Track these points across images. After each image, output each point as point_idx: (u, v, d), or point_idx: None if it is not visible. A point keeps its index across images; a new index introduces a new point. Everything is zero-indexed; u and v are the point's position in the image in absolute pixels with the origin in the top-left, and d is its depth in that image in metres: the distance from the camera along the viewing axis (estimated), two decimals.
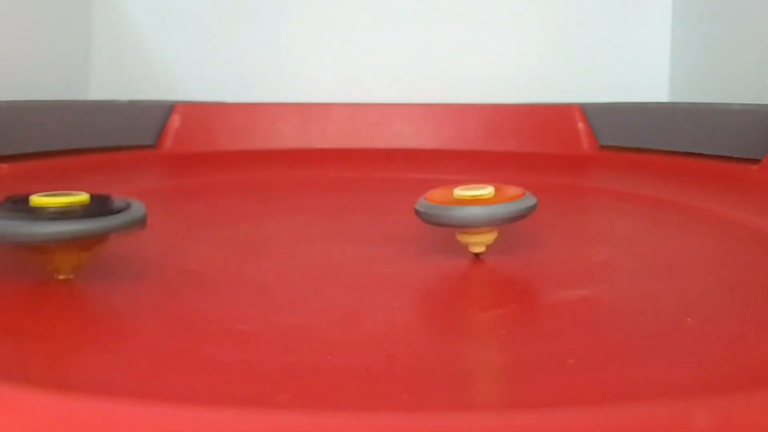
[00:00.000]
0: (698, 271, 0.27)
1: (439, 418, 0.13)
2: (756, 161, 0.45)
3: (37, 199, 0.22)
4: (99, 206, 0.23)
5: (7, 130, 0.46)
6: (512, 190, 0.26)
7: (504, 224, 0.25)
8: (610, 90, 0.69)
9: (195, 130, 0.58)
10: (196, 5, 0.72)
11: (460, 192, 0.26)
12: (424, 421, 0.13)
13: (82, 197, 0.23)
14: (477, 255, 0.27)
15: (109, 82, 0.71)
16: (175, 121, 0.58)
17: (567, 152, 0.57)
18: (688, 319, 0.21)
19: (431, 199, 0.26)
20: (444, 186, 0.27)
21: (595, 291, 0.25)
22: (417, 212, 0.26)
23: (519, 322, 0.21)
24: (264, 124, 0.59)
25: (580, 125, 0.58)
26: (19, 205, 0.22)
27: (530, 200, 0.26)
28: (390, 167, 0.53)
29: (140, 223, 0.24)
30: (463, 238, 0.26)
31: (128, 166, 0.52)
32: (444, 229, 0.27)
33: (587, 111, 0.59)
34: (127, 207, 0.24)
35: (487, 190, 0.26)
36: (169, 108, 0.59)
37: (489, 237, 0.26)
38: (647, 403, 0.14)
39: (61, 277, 0.23)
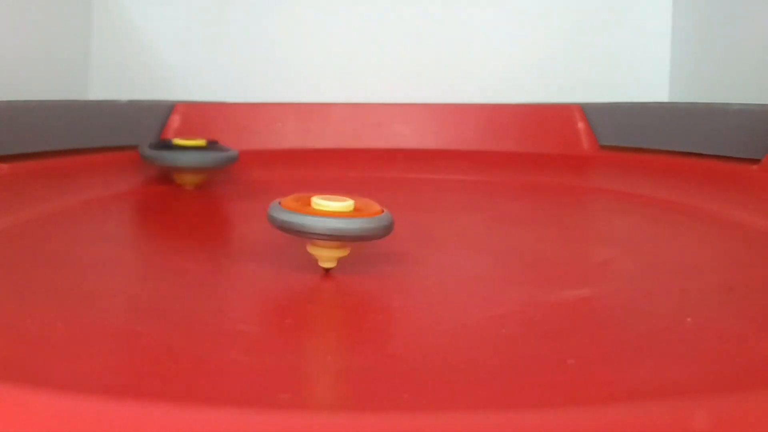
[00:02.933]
0: (698, 271, 0.27)
1: (439, 418, 0.13)
2: (756, 161, 0.45)
3: None
4: None
5: (7, 130, 0.46)
6: (372, 207, 0.25)
7: (353, 241, 0.24)
8: (610, 90, 0.68)
9: (195, 130, 0.58)
10: (196, 6, 0.72)
11: (318, 201, 0.24)
12: (424, 421, 0.13)
13: None
14: (326, 270, 0.25)
15: (109, 82, 0.71)
16: (175, 121, 0.58)
17: (567, 152, 0.57)
18: (688, 319, 0.21)
19: (285, 204, 0.24)
20: (306, 192, 0.26)
21: (595, 291, 0.25)
22: (268, 216, 0.25)
23: (518, 323, 0.21)
24: (264, 124, 0.59)
25: (580, 125, 0.58)
26: None
27: (384, 220, 0.24)
28: (390, 167, 0.53)
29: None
30: (313, 251, 0.25)
31: (128, 166, 0.52)
32: None
33: (587, 111, 0.59)
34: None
35: (345, 204, 0.24)
36: (169, 108, 0.59)
37: (339, 252, 0.25)
38: (647, 403, 0.14)
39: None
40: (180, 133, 0.58)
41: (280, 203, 0.25)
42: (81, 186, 0.44)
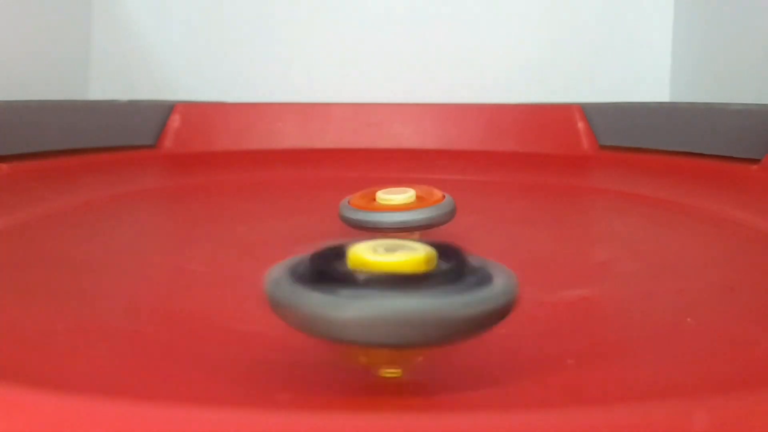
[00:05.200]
0: (698, 271, 0.27)
1: (440, 418, 0.13)
2: (756, 161, 0.45)
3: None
4: None
5: (7, 130, 0.46)
6: (434, 195, 0.26)
7: (421, 229, 0.26)
8: (610, 90, 0.69)
9: (195, 130, 0.58)
10: (196, 5, 0.72)
11: (382, 196, 0.26)
12: (424, 421, 0.13)
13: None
14: None
15: (109, 82, 0.71)
16: (175, 121, 0.58)
17: (567, 152, 0.57)
18: (688, 319, 0.21)
19: (353, 203, 0.26)
20: (369, 188, 0.27)
21: (595, 291, 0.25)
22: (340, 215, 0.27)
23: (518, 323, 0.21)
24: (264, 124, 0.59)
25: (580, 125, 0.58)
26: None
27: (448, 206, 0.26)
28: (390, 167, 0.53)
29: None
30: None
31: (128, 166, 0.52)
32: None
33: (587, 111, 0.59)
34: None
35: (407, 195, 0.26)
36: (169, 108, 0.59)
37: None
38: (647, 403, 0.14)
39: None
40: (180, 133, 0.58)
41: (349, 202, 0.26)
42: (81, 186, 0.44)
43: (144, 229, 0.36)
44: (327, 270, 0.15)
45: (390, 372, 0.16)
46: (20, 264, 0.27)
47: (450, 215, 0.26)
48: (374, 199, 0.26)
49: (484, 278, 0.15)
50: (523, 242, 0.32)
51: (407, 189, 0.26)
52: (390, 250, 0.15)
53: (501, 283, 0.15)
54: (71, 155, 0.50)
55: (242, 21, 0.71)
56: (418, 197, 0.26)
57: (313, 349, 0.19)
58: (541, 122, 0.59)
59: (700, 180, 0.46)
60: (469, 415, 0.14)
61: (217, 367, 0.17)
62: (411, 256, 0.15)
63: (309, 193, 0.46)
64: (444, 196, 0.26)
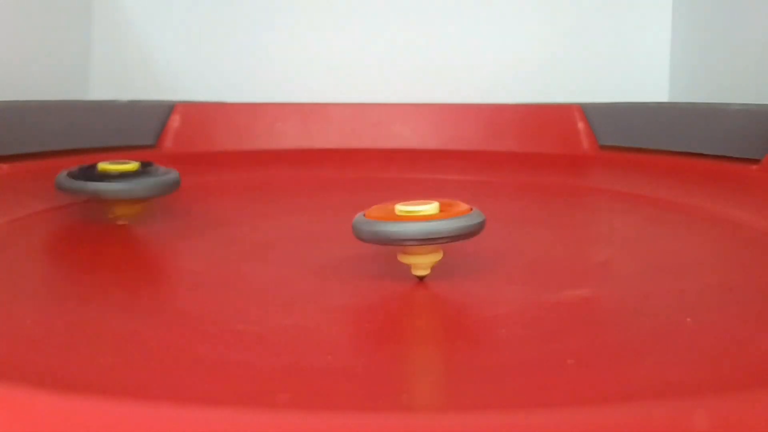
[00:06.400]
0: (698, 271, 0.27)
1: (439, 418, 0.13)
2: (756, 161, 0.45)
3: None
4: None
5: (7, 130, 0.46)
6: (459, 207, 0.24)
7: (447, 242, 0.23)
8: (610, 90, 0.68)
9: (195, 130, 0.58)
10: (196, 5, 0.72)
11: (402, 207, 0.23)
12: (424, 421, 0.13)
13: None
14: (420, 278, 0.24)
15: (109, 82, 0.71)
16: (175, 121, 0.58)
17: (567, 152, 0.57)
18: (688, 319, 0.21)
19: (370, 215, 0.24)
20: (387, 202, 0.25)
21: (595, 291, 0.25)
22: (353, 229, 0.24)
23: (518, 323, 0.21)
24: (264, 124, 0.59)
25: (580, 125, 0.58)
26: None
27: (477, 217, 0.24)
28: (390, 167, 0.53)
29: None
30: (405, 259, 0.24)
31: None
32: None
33: (587, 111, 0.59)
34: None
35: (430, 206, 0.23)
36: (169, 108, 0.59)
37: (432, 258, 0.24)
38: (647, 403, 0.14)
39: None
40: (180, 133, 0.58)
41: (364, 215, 0.24)
42: None
43: (144, 229, 0.36)
44: None
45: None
46: (20, 264, 0.27)
47: (480, 226, 0.24)
48: (394, 213, 0.24)
49: None
50: (522, 242, 0.32)
51: (429, 201, 0.24)
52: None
53: None
54: (71, 155, 0.50)
55: (242, 21, 0.71)
56: (443, 208, 0.24)
57: (312, 349, 0.19)
58: (540, 122, 0.59)
59: (700, 180, 0.46)
60: (468, 414, 0.14)
61: (217, 367, 0.17)
62: None
63: (309, 193, 0.46)
64: (471, 209, 0.24)
